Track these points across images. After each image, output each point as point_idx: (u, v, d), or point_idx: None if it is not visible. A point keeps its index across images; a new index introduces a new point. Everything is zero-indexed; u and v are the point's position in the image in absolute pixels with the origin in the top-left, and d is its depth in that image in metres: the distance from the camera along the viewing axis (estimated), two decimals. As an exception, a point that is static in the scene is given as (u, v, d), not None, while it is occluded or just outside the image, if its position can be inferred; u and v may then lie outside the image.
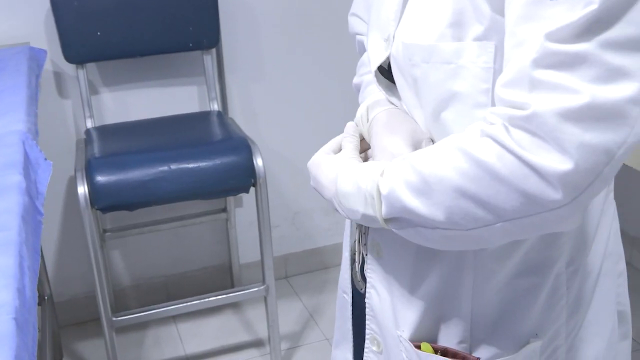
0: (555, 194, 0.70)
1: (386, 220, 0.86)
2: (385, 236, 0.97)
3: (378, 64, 0.96)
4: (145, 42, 2.34)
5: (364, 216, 0.88)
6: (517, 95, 0.71)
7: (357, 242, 1.07)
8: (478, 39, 0.79)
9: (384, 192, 0.83)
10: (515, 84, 0.71)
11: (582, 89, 0.67)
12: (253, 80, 2.59)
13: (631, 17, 0.67)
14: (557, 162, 0.68)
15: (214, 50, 2.47)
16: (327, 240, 2.90)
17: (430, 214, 0.79)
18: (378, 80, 0.98)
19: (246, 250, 2.75)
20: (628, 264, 2.69)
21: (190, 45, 2.38)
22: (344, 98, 2.61)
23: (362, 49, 1.16)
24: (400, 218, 0.84)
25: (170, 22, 2.34)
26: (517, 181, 0.71)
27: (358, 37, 1.20)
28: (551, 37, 0.69)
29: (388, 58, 0.93)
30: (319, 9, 2.55)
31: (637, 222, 2.68)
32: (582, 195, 0.70)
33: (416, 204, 0.80)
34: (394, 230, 0.87)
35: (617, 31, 0.67)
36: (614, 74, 0.67)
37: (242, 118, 2.60)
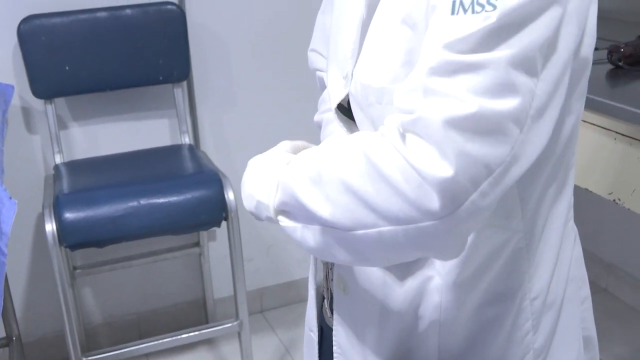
0: (433, 202, 0.70)
1: (276, 211, 0.86)
2: (351, 271, 0.97)
3: (337, 102, 0.96)
4: (115, 76, 2.32)
5: (259, 203, 0.88)
6: (411, 101, 0.72)
7: (324, 278, 1.06)
8: None
9: (282, 179, 0.84)
10: (412, 90, 0.73)
11: (470, 99, 0.68)
12: (225, 111, 2.58)
13: (523, 36, 0.69)
14: (438, 167, 0.69)
15: (184, 83, 2.46)
16: (303, 273, 2.87)
17: (316, 206, 0.78)
18: (338, 117, 0.98)
19: (221, 284, 2.71)
20: (604, 290, 2.70)
21: (161, 78, 2.37)
22: (316, 128, 2.60)
23: (323, 85, 1.16)
24: (290, 212, 0.84)
25: (140, 55, 2.32)
26: (399, 182, 0.71)
27: (318, 73, 1.20)
28: (448, 47, 0.70)
29: (347, 95, 0.93)
30: (289, 39, 2.55)
31: (611, 248, 2.69)
32: (459, 210, 0.70)
33: (306, 194, 0.79)
34: (280, 225, 0.86)
35: (511, 46, 0.69)
36: (503, 88, 0.69)
37: (214, 150, 2.58)
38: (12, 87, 2.22)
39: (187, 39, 2.36)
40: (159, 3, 2.33)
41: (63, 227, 1.95)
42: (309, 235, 0.82)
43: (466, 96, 0.69)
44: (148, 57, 2.33)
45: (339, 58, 0.96)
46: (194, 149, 2.42)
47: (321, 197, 0.78)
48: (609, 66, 1.77)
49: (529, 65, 0.70)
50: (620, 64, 1.74)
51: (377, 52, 0.86)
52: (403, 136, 0.72)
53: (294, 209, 0.83)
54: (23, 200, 2.18)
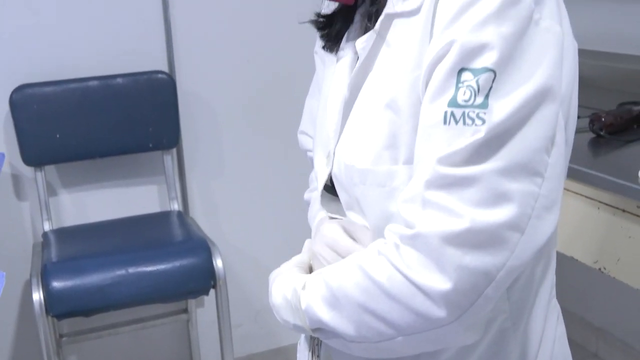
0: (439, 312, 0.75)
1: (313, 330, 0.89)
2: (337, 350, 0.97)
3: (323, 182, 0.98)
4: (105, 143, 2.35)
5: (295, 326, 0.92)
6: (411, 213, 0.77)
7: (311, 353, 1.06)
8: (407, 162, 0.83)
9: (303, 305, 0.88)
10: (410, 201, 0.78)
11: (464, 213, 0.73)
12: (214, 177, 2.60)
13: (514, 144, 0.74)
14: (438, 282, 0.74)
15: (174, 150, 2.49)
16: (292, 339, 2.84)
17: (342, 327, 0.83)
18: (323, 198, 1.00)
19: (209, 350, 2.68)
20: (594, 355, 2.69)
21: (151, 145, 2.39)
22: (302, 195, 2.62)
23: (313, 165, 1.19)
24: (322, 329, 0.87)
25: (131, 123, 2.35)
26: (406, 299, 0.76)
27: (308, 153, 1.23)
28: (442, 161, 0.75)
29: (330, 174, 0.96)
30: (278, 108, 2.59)
31: (600, 312, 2.69)
32: (466, 314, 0.75)
33: (329, 317, 0.84)
34: (323, 340, 0.90)
35: (502, 157, 0.73)
36: (497, 198, 0.73)
37: (203, 216, 2.59)
38: (3, 154, 2.23)
39: (177, 107, 2.40)
40: (150, 72, 2.38)
41: (50, 297, 1.94)
42: (347, 345, 0.86)
43: (460, 210, 0.73)
44: (138, 124, 2.36)
45: (322, 138, 0.99)
46: (183, 215, 2.43)
47: (344, 319, 0.83)
48: (591, 135, 1.80)
49: (525, 170, 0.74)
50: (601, 133, 1.78)
51: (360, 133, 0.89)
52: (400, 249, 0.77)
53: (326, 329, 0.87)
54: (10, 267, 2.17)
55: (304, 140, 1.25)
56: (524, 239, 0.74)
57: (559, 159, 0.77)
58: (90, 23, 2.32)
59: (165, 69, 2.43)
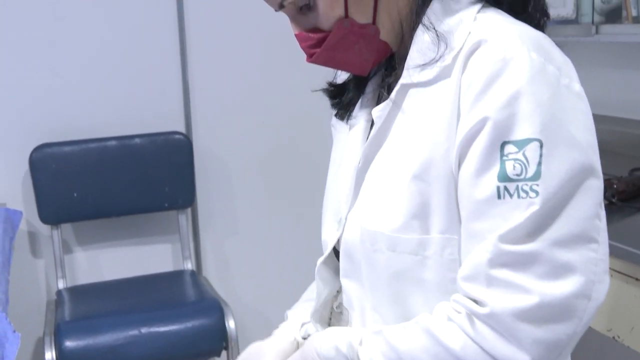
0: None
1: None
2: None
3: (332, 245, 0.99)
4: (122, 203, 2.38)
5: None
6: (476, 290, 0.80)
7: None
8: (442, 232, 0.85)
9: None
10: (474, 279, 0.80)
11: (532, 288, 0.76)
12: (227, 237, 2.61)
13: (569, 214, 0.77)
14: (516, 356, 0.77)
15: (189, 209, 2.51)
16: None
17: None
18: (325, 262, 1.02)
19: (218, 412, 2.65)
20: None
21: (166, 205, 2.42)
22: (319, 255, 2.62)
23: None
24: None
25: (147, 182, 2.38)
26: None
27: None
28: (503, 238, 0.77)
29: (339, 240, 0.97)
30: (292, 168, 2.62)
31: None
32: None
33: None
34: None
35: (559, 228, 0.77)
36: (561, 270, 0.77)
37: (216, 276, 2.60)
38: (21, 213, 2.26)
39: (193, 167, 2.43)
40: (167, 132, 2.42)
41: (63, 356, 1.95)
42: None
43: (528, 285, 0.77)
44: (155, 184, 2.39)
45: (333, 204, 1.00)
46: (196, 275, 2.44)
47: None
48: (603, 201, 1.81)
49: (582, 239, 0.78)
50: (613, 200, 1.78)
51: (382, 201, 0.90)
52: (475, 323, 0.79)
53: None
54: (24, 324, 2.17)
55: None
56: (590, 304, 0.78)
57: (604, 225, 0.81)
58: (109, 84, 2.38)
59: (183, 129, 2.47)
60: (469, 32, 0.85)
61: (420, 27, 0.89)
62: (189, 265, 2.48)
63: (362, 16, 0.89)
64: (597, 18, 2.27)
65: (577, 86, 0.83)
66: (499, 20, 0.86)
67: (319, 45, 0.91)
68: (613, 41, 2.26)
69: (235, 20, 2.47)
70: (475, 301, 0.79)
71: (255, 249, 2.65)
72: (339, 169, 1.02)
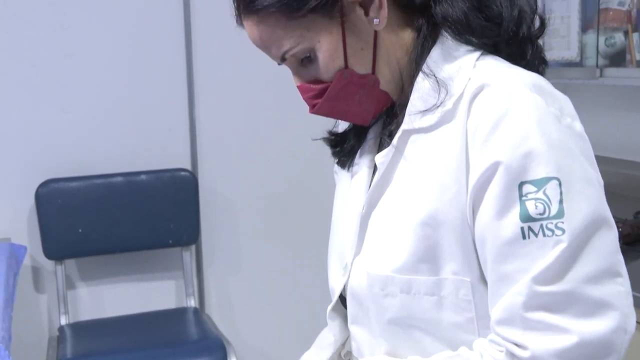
0: None
1: None
2: None
3: (339, 292, 0.99)
4: (126, 239, 2.38)
5: None
6: (513, 333, 0.80)
7: None
8: (455, 273, 0.86)
9: None
10: (510, 322, 0.81)
11: (571, 327, 0.78)
12: (231, 275, 2.61)
13: (595, 249, 0.78)
14: None
15: (193, 246, 2.51)
16: None
17: None
18: (334, 309, 1.02)
19: None
20: None
21: (170, 241, 2.42)
22: (322, 294, 2.61)
23: None
24: None
25: (152, 219, 2.39)
26: None
27: None
28: (536, 280, 0.78)
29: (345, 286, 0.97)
30: (296, 208, 2.62)
31: None
32: None
33: None
34: None
35: (588, 264, 0.78)
36: (596, 307, 0.78)
37: (219, 314, 2.58)
38: (25, 248, 2.26)
39: (198, 204, 2.44)
40: (173, 169, 2.44)
41: (63, 394, 1.93)
42: None
43: (566, 325, 0.78)
44: (159, 221, 2.39)
45: (337, 250, 1.01)
46: (199, 312, 2.43)
47: None
48: (609, 245, 1.80)
49: (610, 274, 0.79)
50: (620, 243, 1.78)
51: (388, 246, 0.91)
52: None
53: None
54: (25, 361, 2.17)
55: None
56: (626, 337, 0.80)
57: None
58: (117, 121, 2.40)
59: (189, 166, 2.49)
60: (469, 78, 0.87)
61: (420, 74, 0.91)
62: (192, 303, 2.47)
63: (361, 67, 0.91)
64: (601, 61, 2.29)
65: (578, 125, 0.84)
66: (499, 66, 0.88)
67: (320, 96, 0.93)
68: (617, 84, 2.28)
69: (242, 61, 2.49)
70: (515, 344, 0.80)
71: (258, 288, 2.64)
72: (342, 215, 1.03)
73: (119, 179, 2.38)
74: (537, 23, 0.93)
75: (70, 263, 2.41)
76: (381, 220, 0.94)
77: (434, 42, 0.92)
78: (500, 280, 0.82)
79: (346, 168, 1.04)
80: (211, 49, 2.46)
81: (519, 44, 0.92)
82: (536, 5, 0.94)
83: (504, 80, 0.84)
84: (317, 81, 0.93)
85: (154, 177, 2.41)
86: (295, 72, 0.95)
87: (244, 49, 2.46)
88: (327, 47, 0.89)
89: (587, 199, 0.79)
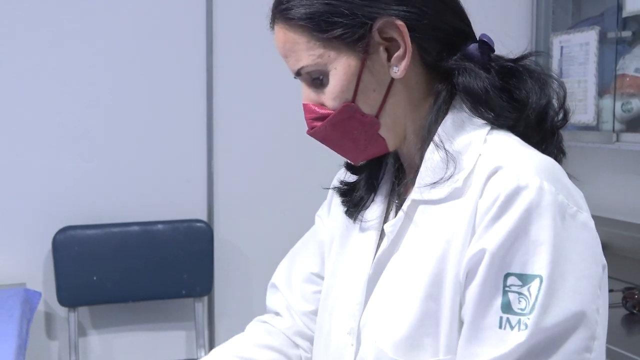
0: None
1: None
2: None
3: None
4: (140, 288, 2.38)
5: None
6: None
7: None
8: (447, 352, 0.87)
9: None
10: None
11: None
12: (243, 328, 2.56)
13: (559, 347, 0.79)
14: None
15: (205, 297, 2.51)
16: None
17: None
18: None
19: None
20: None
21: (183, 292, 2.42)
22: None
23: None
24: None
25: (166, 269, 2.40)
26: None
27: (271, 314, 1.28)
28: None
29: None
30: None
31: None
32: None
33: None
34: None
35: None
36: None
37: (229, 366, 2.57)
38: (40, 294, 2.27)
39: (213, 256, 2.45)
40: (189, 220, 2.45)
41: None
42: None
43: None
44: (173, 271, 2.40)
45: (341, 312, 1.01)
46: (209, 364, 2.41)
47: None
48: (624, 311, 1.79)
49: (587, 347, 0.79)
50: (634, 311, 1.77)
51: (394, 317, 0.91)
52: None
53: None
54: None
55: (270, 297, 1.29)
56: None
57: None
58: (136, 171, 2.43)
59: (204, 218, 2.50)
60: (479, 154, 0.88)
61: (431, 144, 0.92)
62: (203, 354, 2.46)
63: (367, 107, 0.93)
64: (617, 126, 2.31)
65: (583, 216, 0.84)
66: (510, 144, 0.89)
67: (321, 119, 0.94)
68: (633, 149, 2.29)
69: (260, 117, 2.54)
70: None
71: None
72: (348, 273, 1.03)
73: (135, 228, 2.40)
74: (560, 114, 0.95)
75: (83, 310, 2.42)
76: (387, 286, 0.94)
77: (447, 110, 0.93)
78: (468, 357, 0.83)
79: (353, 219, 1.04)
80: (231, 104, 2.51)
81: (540, 132, 0.93)
82: (565, 99, 0.95)
83: (517, 164, 0.85)
84: (322, 105, 0.95)
85: (170, 227, 2.42)
86: (306, 90, 0.96)
87: (263, 104, 2.53)
88: (340, 77, 0.91)
89: (571, 298, 0.80)
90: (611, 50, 2.35)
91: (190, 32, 2.45)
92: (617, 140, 2.27)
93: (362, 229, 1.03)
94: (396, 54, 0.90)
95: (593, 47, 2.36)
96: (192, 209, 2.49)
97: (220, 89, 2.49)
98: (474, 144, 0.89)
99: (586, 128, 2.40)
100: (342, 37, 0.89)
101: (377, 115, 0.93)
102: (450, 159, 0.89)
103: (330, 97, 0.93)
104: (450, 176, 0.88)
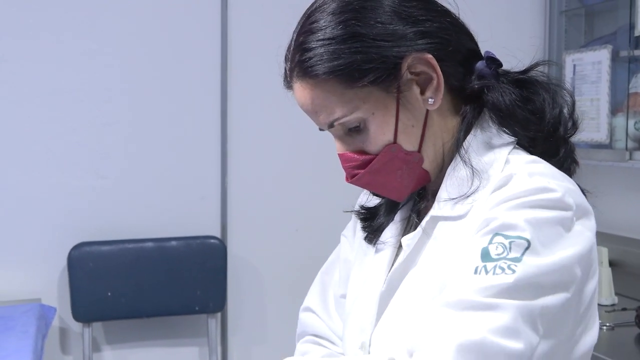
0: None
1: None
2: None
3: None
4: (154, 304, 2.40)
5: None
6: (422, 330, 0.82)
7: None
8: None
9: None
10: (423, 321, 0.84)
11: (478, 330, 0.77)
12: (255, 344, 2.60)
13: (536, 298, 0.79)
14: None
15: (219, 314, 2.52)
16: None
17: None
18: None
19: None
20: None
21: (197, 308, 2.43)
22: None
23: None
24: None
25: (180, 285, 2.41)
26: None
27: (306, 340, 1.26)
28: (467, 293, 0.80)
29: None
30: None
31: None
32: None
33: None
34: None
35: (523, 300, 0.78)
36: (509, 332, 0.77)
37: (242, 383, 2.57)
38: (55, 309, 2.29)
39: (226, 272, 2.46)
40: (203, 237, 2.47)
41: None
42: None
43: (475, 328, 0.77)
44: (187, 287, 2.41)
45: (355, 324, 1.01)
46: (222, 381, 2.42)
47: None
48: (637, 330, 1.78)
49: (533, 322, 0.79)
50: (647, 329, 1.76)
51: (407, 331, 0.91)
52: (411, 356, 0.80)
53: None
54: None
55: (307, 320, 1.25)
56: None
57: (556, 335, 0.82)
58: (151, 188, 2.45)
59: (218, 234, 2.52)
60: (501, 172, 0.90)
61: (456, 160, 0.93)
62: (215, 371, 2.47)
63: (409, 144, 0.93)
64: (630, 144, 2.31)
65: (579, 228, 0.86)
66: (530, 161, 0.91)
67: (363, 167, 0.94)
68: (646, 168, 2.28)
69: (274, 135, 2.56)
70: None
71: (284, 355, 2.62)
72: (362, 291, 1.03)
73: (150, 244, 2.41)
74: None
75: (98, 326, 2.43)
76: (401, 300, 0.95)
77: (471, 127, 0.95)
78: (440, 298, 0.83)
79: (372, 244, 1.05)
80: (245, 122, 2.53)
81: (555, 142, 0.95)
82: (574, 108, 0.96)
83: (530, 171, 0.87)
84: (361, 151, 0.94)
85: (183, 244, 2.44)
86: (340, 140, 0.95)
87: (276, 122, 2.55)
88: (379, 121, 0.91)
89: (552, 265, 0.81)
90: (624, 68, 2.36)
91: (206, 52, 2.48)
92: (630, 158, 2.27)
93: (379, 246, 1.03)
94: (430, 86, 0.91)
95: (605, 65, 2.37)
96: (206, 226, 2.51)
97: (234, 106, 2.51)
98: (498, 162, 0.91)
99: (599, 146, 2.40)
100: (375, 81, 0.89)
101: (419, 150, 0.94)
102: (476, 175, 0.90)
103: (372, 142, 0.92)
104: (473, 192, 0.89)
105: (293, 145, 2.56)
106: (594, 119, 2.42)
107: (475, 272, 0.80)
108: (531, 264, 0.79)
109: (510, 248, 0.80)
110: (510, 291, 0.78)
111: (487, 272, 0.79)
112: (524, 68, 0.98)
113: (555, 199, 0.84)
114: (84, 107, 2.38)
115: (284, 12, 2.53)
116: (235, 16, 2.49)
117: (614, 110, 2.38)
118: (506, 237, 0.81)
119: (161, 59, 2.44)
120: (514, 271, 0.78)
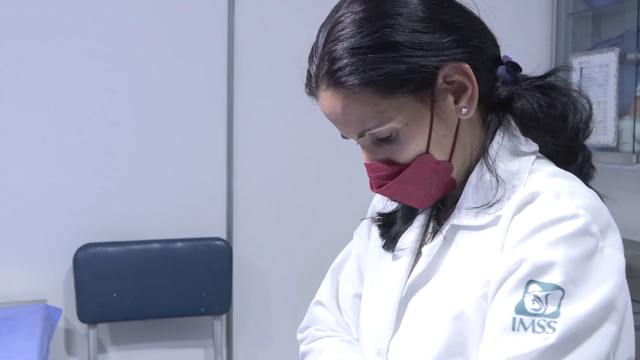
0: None
1: None
2: None
3: None
4: (159, 306, 2.40)
5: None
6: None
7: None
8: None
9: None
10: None
11: None
12: (261, 346, 2.60)
13: (582, 351, 0.78)
14: None
15: (224, 316, 2.52)
16: None
17: None
18: None
19: None
20: None
21: (202, 310, 2.43)
22: None
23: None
24: None
25: (186, 287, 2.41)
26: None
27: (316, 332, 1.25)
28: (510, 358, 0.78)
29: None
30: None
31: None
32: None
33: None
34: None
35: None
36: None
37: (247, 385, 2.57)
38: (60, 311, 2.29)
39: (232, 274, 2.46)
40: (209, 238, 2.47)
41: None
42: None
43: None
44: (192, 289, 2.41)
45: (372, 330, 1.01)
46: (227, 383, 2.42)
47: None
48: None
49: None
50: (656, 334, 1.75)
51: (424, 338, 0.91)
52: None
53: None
54: None
55: (318, 313, 1.24)
56: None
57: None
58: (158, 190, 2.45)
59: (224, 236, 2.52)
60: (524, 184, 0.89)
61: (479, 167, 0.92)
62: (221, 373, 2.47)
63: (440, 153, 0.91)
64: (637, 147, 2.30)
65: (609, 250, 0.84)
66: (553, 173, 0.90)
67: (391, 177, 0.91)
68: (653, 171, 2.28)
69: (281, 133, 2.55)
70: None
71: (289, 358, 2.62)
72: (379, 296, 1.03)
73: (156, 245, 2.41)
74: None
75: (103, 327, 2.43)
76: (419, 307, 0.94)
77: (494, 134, 0.93)
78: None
79: (390, 251, 1.04)
80: (251, 124, 2.53)
81: (575, 149, 0.94)
82: (591, 114, 0.96)
83: (556, 192, 0.85)
84: (389, 161, 0.91)
85: (189, 245, 2.44)
86: (368, 150, 0.93)
87: (283, 124, 2.54)
88: (413, 131, 0.89)
89: (588, 309, 0.79)
90: (631, 71, 2.35)
91: (212, 53, 2.48)
92: (637, 161, 2.26)
93: (397, 253, 1.02)
94: (464, 96, 0.90)
95: (613, 68, 2.36)
96: (212, 227, 2.51)
97: (241, 108, 2.51)
98: (521, 172, 0.90)
99: (606, 149, 2.39)
100: (412, 92, 0.87)
101: (450, 159, 0.92)
102: (501, 185, 0.89)
103: (403, 152, 0.90)
104: (497, 202, 0.88)
105: (299, 147, 2.56)
106: (600, 121, 2.41)
107: (513, 328, 0.79)
108: (570, 315, 0.79)
109: (546, 302, 0.79)
110: (555, 349, 0.78)
111: (525, 328, 0.79)
112: (542, 73, 0.97)
113: (584, 228, 0.83)
114: (91, 108, 2.38)
115: (290, 14, 2.54)
116: (241, 18, 2.49)
117: (621, 113, 2.37)
118: (541, 285, 0.80)
119: (168, 60, 2.44)
120: (554, 329, 0.78)
